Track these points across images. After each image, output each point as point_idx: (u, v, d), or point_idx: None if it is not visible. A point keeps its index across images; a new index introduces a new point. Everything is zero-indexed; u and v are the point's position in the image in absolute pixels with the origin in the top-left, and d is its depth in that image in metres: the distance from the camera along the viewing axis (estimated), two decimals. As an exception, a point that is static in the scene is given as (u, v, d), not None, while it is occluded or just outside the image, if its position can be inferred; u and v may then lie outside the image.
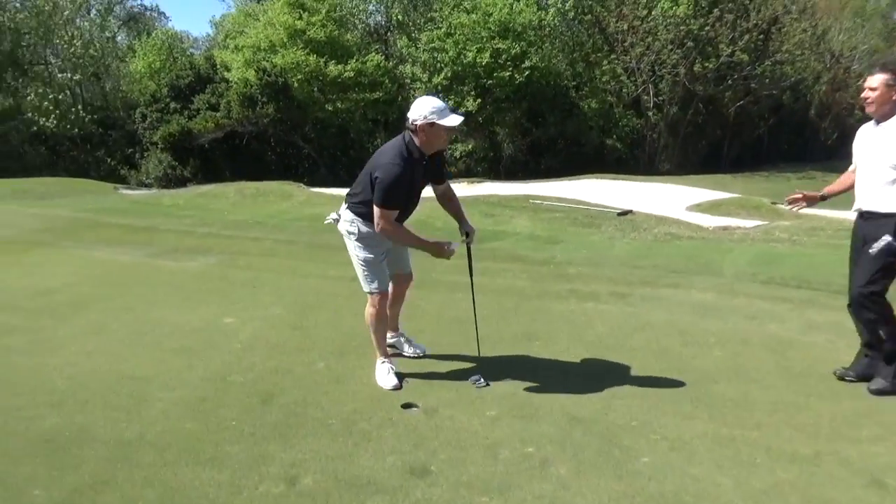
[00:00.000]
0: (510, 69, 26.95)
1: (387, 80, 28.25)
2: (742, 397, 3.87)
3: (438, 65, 27.18)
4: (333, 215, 4.10)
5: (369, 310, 4.09)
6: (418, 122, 3.66)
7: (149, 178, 25.99)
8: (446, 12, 28.16)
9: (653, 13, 28.67)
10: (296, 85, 25.55)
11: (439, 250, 3.94)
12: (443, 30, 27.25)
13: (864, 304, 3.82)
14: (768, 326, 5.13)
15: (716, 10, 28.61)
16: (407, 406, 3.80)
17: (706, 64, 29.65)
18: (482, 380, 4.09)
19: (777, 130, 35.60)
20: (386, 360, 4.18)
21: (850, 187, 4.16)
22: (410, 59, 28.68)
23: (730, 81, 30.88)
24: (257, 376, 4.20)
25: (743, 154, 35.79)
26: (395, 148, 3.75)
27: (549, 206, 11.11)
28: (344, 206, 4.01)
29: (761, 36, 30.14)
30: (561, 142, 31.21)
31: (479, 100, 27.01)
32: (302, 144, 27.69)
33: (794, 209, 4.34)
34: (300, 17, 26.04)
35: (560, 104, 30.59)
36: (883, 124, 3.78)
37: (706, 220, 11.26)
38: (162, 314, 5.45)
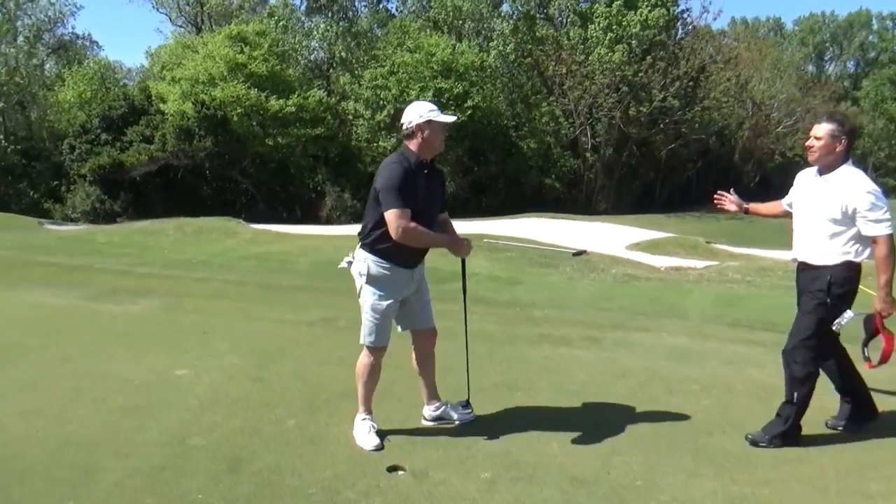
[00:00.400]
0: (453, 108, 27.18)
1: (329, 116, 28.06)
2: (742, 450, 3.72)
3: (381, 102, 27.23)
4: (348, 258, 3.81)
5: (364, 360, 3.79)
6: (415, 122, 3.52)
7: (75, 213, 24.70)
8: (389, 51, 28.35)
9: (590, 58, 29.73)
10: (235, 118, 25.00)
11: (458, 246, 3.71)
12: (386, 68, 27.39)
13: (792, 361, 3.71)
14: (748, 371, 5.06)
15: (649, 57, 29.93)
16: (392, 469, 3.48)
17: (640, 108, 30.89)
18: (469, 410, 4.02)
19: (705, 173, 37.21)
20: (367, 416, 3.85)
21: (774, 216, 4.19)
22: (353, 96, 28.63)
23: (661, 125, 32.24)
24: (221, 438, 3.78)
25: (674, 195, 37.24)
26: (391, 157, 3.63)
27: (504, 246, 11.02)
28: (357, 247, 3.74)
29: (691, 83, 31.68)
30: (501, 181, 31.63)
31: (421, 138, 27.11)
32: (240, 179, 27.01)
33: (719, 206, 4.20)
34: (242, 51, 25.65)
35: (501, 144, 31.10)
36: (826, 176, 3.65)
37: (658, 261, 11.41)
38: (105, 366, 4.94)
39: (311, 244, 10.98)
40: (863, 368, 3.88)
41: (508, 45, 30.42)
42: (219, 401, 4.31)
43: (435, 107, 3.62)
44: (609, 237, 18.14)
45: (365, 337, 3.74)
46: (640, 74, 29.79)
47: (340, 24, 31.68)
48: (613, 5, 29.95)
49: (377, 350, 3.76)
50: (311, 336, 5.98)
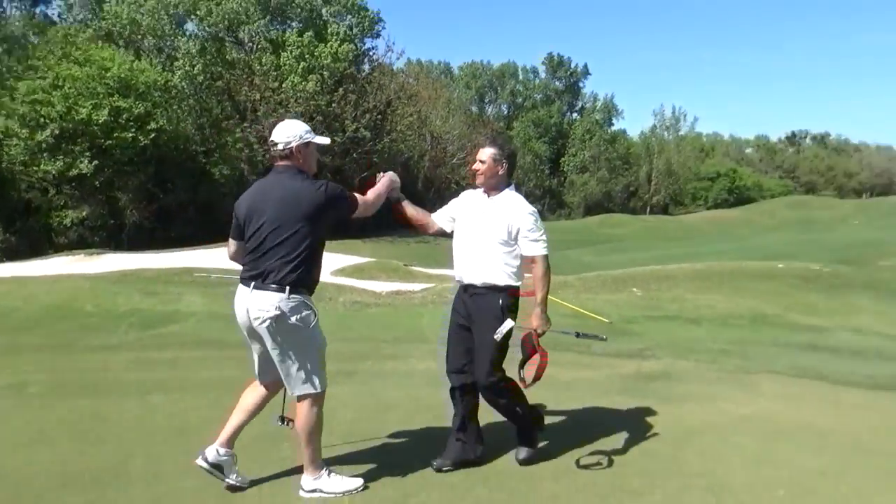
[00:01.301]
0: (133, 130, 24.67)
1: (-31, 135, 23.12)
2: (522, 470, 3.81)
3: (42, 119, 23.40)
4: (267, 313, 3.19)
5: (314, 411, 3.39)
6: (294, 144, 3.31)
7: None
8: (52, 61, 24.54)
9: (283, 86, 29.56)
10: None
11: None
12: (48, 81, 23.62)
13: (497, 391, 3.71)
14: (541, 392, 5.23)
15: (340, 89, 30.92)
16: None
17: (334, 138, 31.60)
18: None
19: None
20: (328, 467, 3.53)
21: (419, 225, 3.97)
22: (4, 112, 24.03)
23: (354, 155, 33.48)
24: None
25: (367, 221, 38.86)
26: (296, 174, 3.32)
27: (220, 280, 10.11)
28: (281, 295, 3.20)
29: (379, 116, 33.54)
30: (192, 209, 29.67)
31: (95, 161, 23.99)
32: None
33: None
34: None
35: (190, 169, 29.23)
36: (493, 197, 3.72)
37: (377, 286, 11.61)
38: None
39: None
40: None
41: (196, 66, 28.68)
42: None
43: (309, 127, 3.45)
44: (316, 264, 17.98)
45: (320, 383, 3.39)
46: (333, 105, 30.58)
47: (-18, 25, 26.47)
48: (305, 36, 30.30)
49: (323, 393, 3.44)
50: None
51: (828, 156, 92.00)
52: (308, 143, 3.36)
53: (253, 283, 3.26)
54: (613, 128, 70.69)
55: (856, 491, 3.60)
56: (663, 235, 41.19)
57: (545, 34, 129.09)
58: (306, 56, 30.01)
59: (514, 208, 3.64)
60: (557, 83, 70.77)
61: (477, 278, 3.67)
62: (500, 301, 3.60)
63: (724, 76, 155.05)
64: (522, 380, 3.71)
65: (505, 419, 4.00)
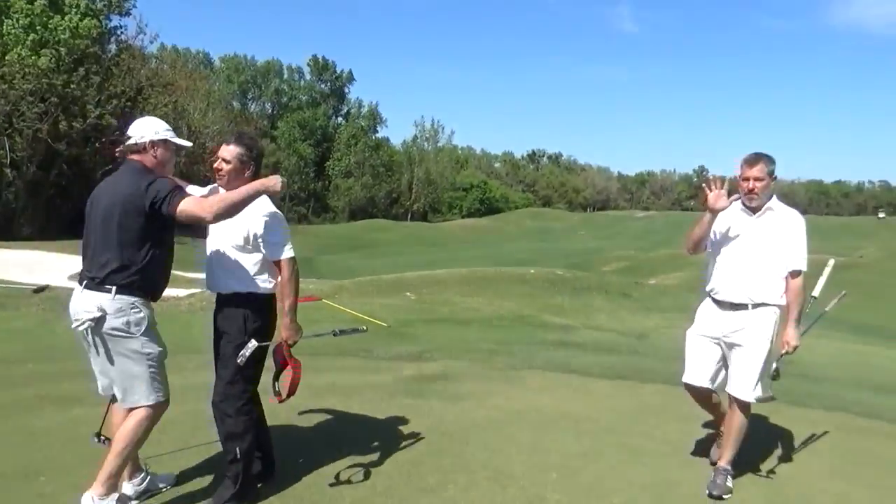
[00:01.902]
0: None
1: None
2: (326, 482, 3.79)
3: None
4: (83, 314, 3.00)
5: (143, 424, 3.16)
6: (148, 139, 3.19)
7: None
8: None
9: (7, 58, 25.53)
10: None
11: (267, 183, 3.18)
12: None
13: (227, 411, 3.41)
14: (329, 399, 5.13)
15: (81, 68, 27.61)
16: None
17: (73, 123, 28.10)
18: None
19: (146, 196, 36.49)
20: (116, 494, 3.17)
21: None
22: None
23: (97, 144, 30.04)
24: None
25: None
26: (139, 171, 3.13)
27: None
28: (106, 296, 3.02)
29: (129, 103, 30.56)
30: None
31: None
32: None
33: None
34: None
35: None
36: None
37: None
38: None
39: None
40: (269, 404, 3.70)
41: None
42: None
43: (169, 126, 3.35)
44: (47, 265, 16.07)
45: (153, 394, 3.18)
46: (71, 86, 27.19)
47: None
48: (36, 3, 26.48)
49: (165, 404, 3.27)
50: None
51: (560, 173, 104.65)
52: (165, 142, 3.25)
53: (84, 283, 3.10)
54: (378, 135, 72.62)
55: (612, 468, 4.16)
56: (425, 241, 43.35)
57: (309, 35, 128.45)
58: (37, 27, 26.24)
59: (252, 211, 3.26)
60: (323, 86, 70.70)
61: (219, 287, 3.45)
62: (243, 312, 3.37)
63: (476, 94, 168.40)
64: (278, 393, 3.52)
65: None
